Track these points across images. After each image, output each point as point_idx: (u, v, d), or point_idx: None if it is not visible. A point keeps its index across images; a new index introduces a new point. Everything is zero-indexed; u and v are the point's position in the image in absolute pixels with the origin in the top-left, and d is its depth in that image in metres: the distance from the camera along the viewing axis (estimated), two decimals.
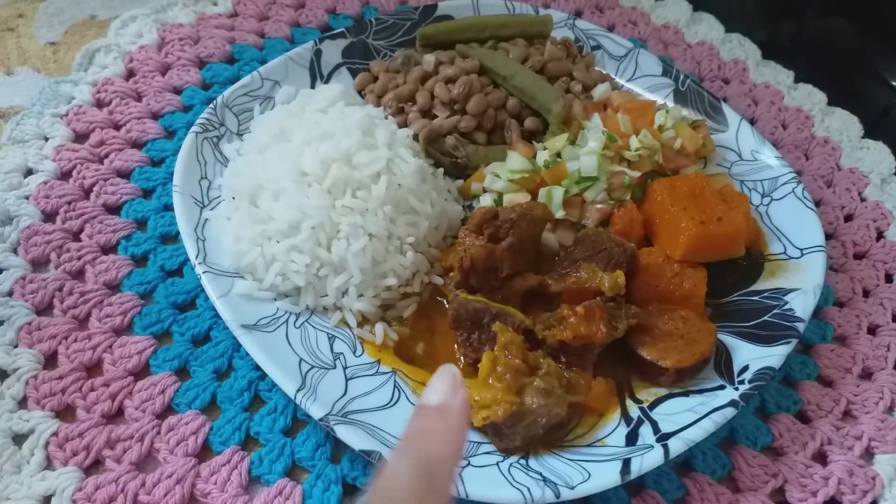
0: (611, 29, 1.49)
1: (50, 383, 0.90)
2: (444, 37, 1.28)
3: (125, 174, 1.13)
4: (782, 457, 0.95)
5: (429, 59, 1.22)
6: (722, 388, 0.93)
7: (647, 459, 0.83)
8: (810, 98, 1.40)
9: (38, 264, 1.02)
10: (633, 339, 0.95)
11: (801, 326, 0.97)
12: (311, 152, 1.01)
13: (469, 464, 0.84)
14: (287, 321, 0.95)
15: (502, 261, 0.95)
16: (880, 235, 1.22)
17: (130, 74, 1.27)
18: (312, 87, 1.22)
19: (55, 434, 0.86)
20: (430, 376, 0.91)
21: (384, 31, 1.31)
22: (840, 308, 1.12)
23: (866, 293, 1.14)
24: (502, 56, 1.23)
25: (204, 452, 0.89)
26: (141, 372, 0.94)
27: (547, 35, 1.31)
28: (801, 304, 1.00)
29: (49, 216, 1.07)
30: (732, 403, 0.89)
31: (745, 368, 0.94)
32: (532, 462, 0.85)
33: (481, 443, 0.87)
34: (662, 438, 0.86)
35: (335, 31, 1.28)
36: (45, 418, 0.87)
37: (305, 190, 0.98)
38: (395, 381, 0.93)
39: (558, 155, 1.11)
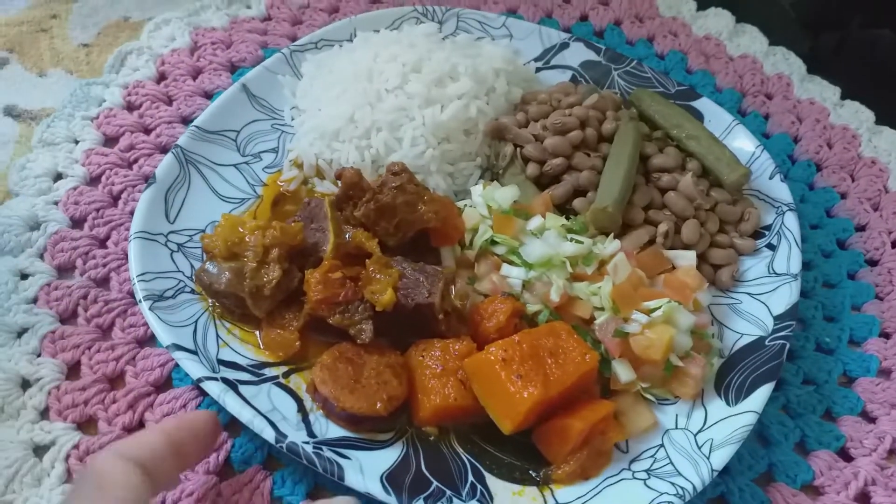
0: (650, 40, 1.45)
1: (72, 394, 0.89)
2: (646, 107, 1.20)
3: None
4: (822, 496, 0.92)
5: (592, 98, 1.17)
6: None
7: None
8: (857, 116, 1.35)
9: (64, 270, 1.01)
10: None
11: None
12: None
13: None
14: None
15: (365, 201, 0.97)
16: None
17: (162, 77, 1.26)
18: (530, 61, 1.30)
19: (76, 447, 0.85)
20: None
21: (633, 76, 1.28)
22: (886, 340, 1.07)
23: None
24: (684, 116, 1.18)
25: (225, 470, 0.87)
26: (163, 385, 0.93)
27: (724, 183, 1.11)
28: None
29: (77, 223, 1.06)
30: None
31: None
32: None
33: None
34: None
35: (596, 43, 1.32)
36: (66, 430, 0.86)
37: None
38: None
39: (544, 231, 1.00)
